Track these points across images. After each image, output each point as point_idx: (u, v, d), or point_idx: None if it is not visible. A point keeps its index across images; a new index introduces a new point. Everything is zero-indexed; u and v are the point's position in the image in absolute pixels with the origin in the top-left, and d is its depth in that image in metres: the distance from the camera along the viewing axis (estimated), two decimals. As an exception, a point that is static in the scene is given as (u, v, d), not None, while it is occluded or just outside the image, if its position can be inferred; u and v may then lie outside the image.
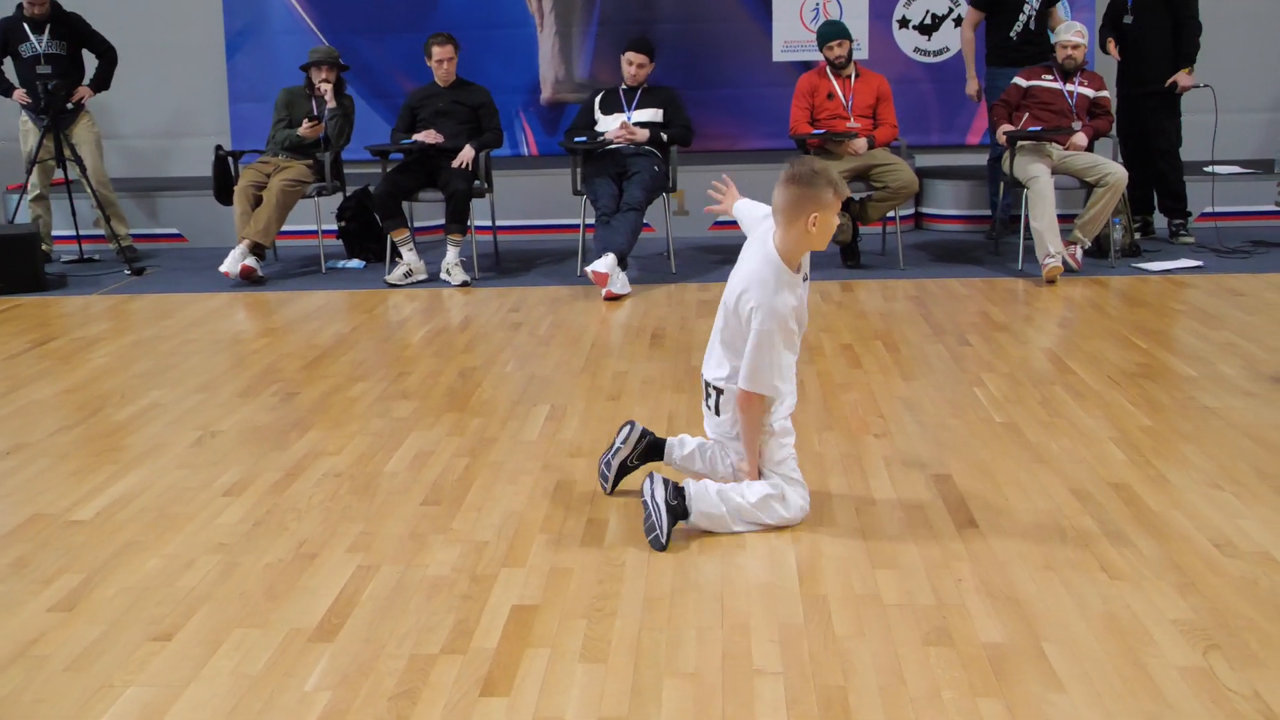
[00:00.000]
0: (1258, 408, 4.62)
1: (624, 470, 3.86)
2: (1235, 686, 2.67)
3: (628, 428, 3.86)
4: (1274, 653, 2.81)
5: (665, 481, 3.55)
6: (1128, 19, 7.89)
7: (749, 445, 3.62)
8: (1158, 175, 8.00)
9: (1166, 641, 2.88)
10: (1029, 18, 7.93)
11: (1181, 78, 7.77)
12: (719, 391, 3.64)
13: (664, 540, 3.46)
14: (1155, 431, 4.39)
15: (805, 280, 3.61)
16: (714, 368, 3.67)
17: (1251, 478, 3.91)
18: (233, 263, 7.49)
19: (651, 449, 3.86)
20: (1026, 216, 7.17)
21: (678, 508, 3.51)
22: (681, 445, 3.85)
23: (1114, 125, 7.56)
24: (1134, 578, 3.22)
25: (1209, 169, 8.46)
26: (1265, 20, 9.00)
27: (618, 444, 3.86)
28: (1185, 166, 8.04)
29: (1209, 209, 8.26)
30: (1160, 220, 8.21)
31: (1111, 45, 7.94)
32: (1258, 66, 8.98)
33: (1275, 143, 8.80)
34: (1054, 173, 7.21)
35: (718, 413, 3.67)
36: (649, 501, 3.52)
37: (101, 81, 8.31)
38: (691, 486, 3.55)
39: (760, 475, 3.62)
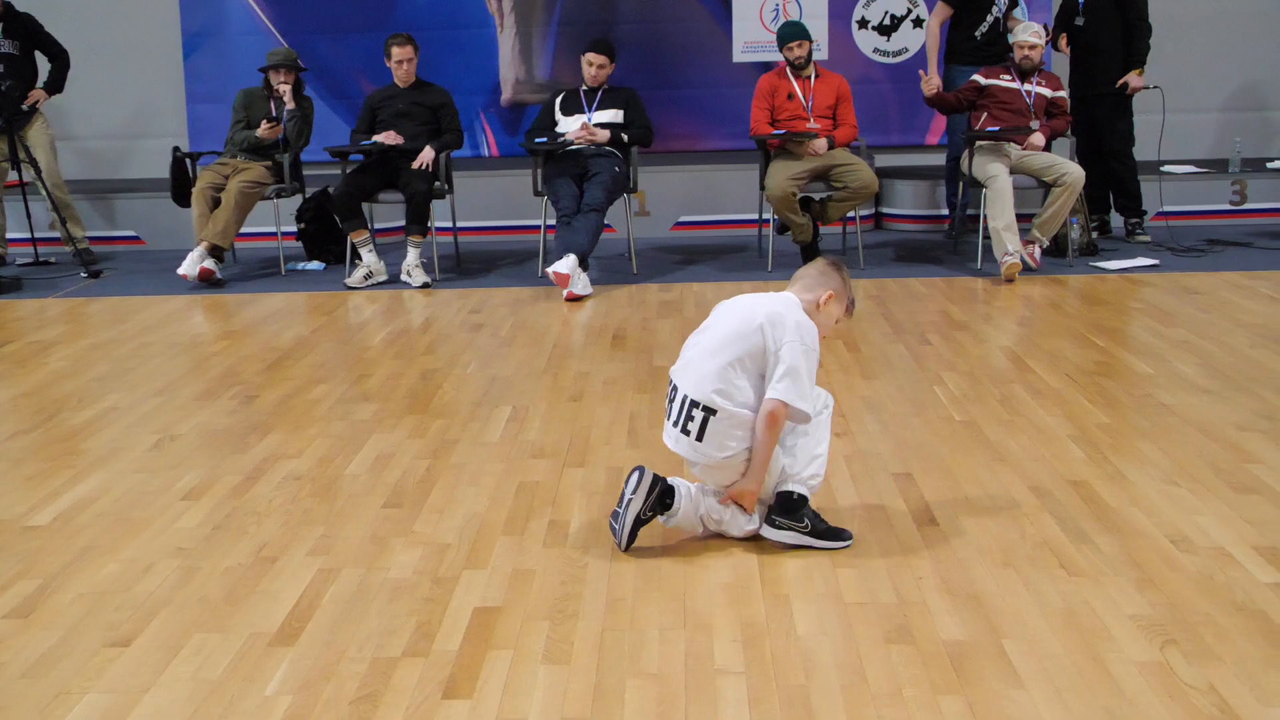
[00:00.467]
0: (1213, 405, 4.66)
1: (639, 524, 3.47)
2: (1192, 681, 2.70)
3: (637, 474, 3.47)
4: (1229, 647, 2.84)
5: (652, 487, 3.46)
6: (1079, 20, 7.95)
7: (762, 468, 3.45)
8: (1112, 175, 8.07)
9: (1124, 637, 2.90)
10: (995, 19, 7.98)
11: (1132, 79, 7.83)
12: (710, 412, 3.40)
13: (623, 544, 3.46)
14: (1113, 429, 4.42)
15: None
16: (707, 388, 3.42)
17: (1207, 474, 3.95)
18: (191, 265, 7.43)
19: (665, 494, 3.48)
20: (985, 216, 7.22)
21: (652, 517, 3.49)
22: (684, 498, 3.53)
23: (1069, 125, 7.61)
24: (1092, 574, 3.25)
25: (1165, 168, 8.54)
26: (1217, 21, 9.09)
27: (627, 494, 3.46)
28: (1141, 166, 8.11)
29: (1163, 208, 8.33)
30: (1116, 219, 8.28)
31: (1063, 41, 8.01)
32: (1211, 67, 9.07)
33: (1228, 142, 8.90)
34: (1012, 172, 7.26)
35: (700, 438, 3.42)
36: (626, 496, 3.46)
37: (55, 84, 8.23)
38: (680, 508, 3.49)
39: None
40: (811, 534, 3.44)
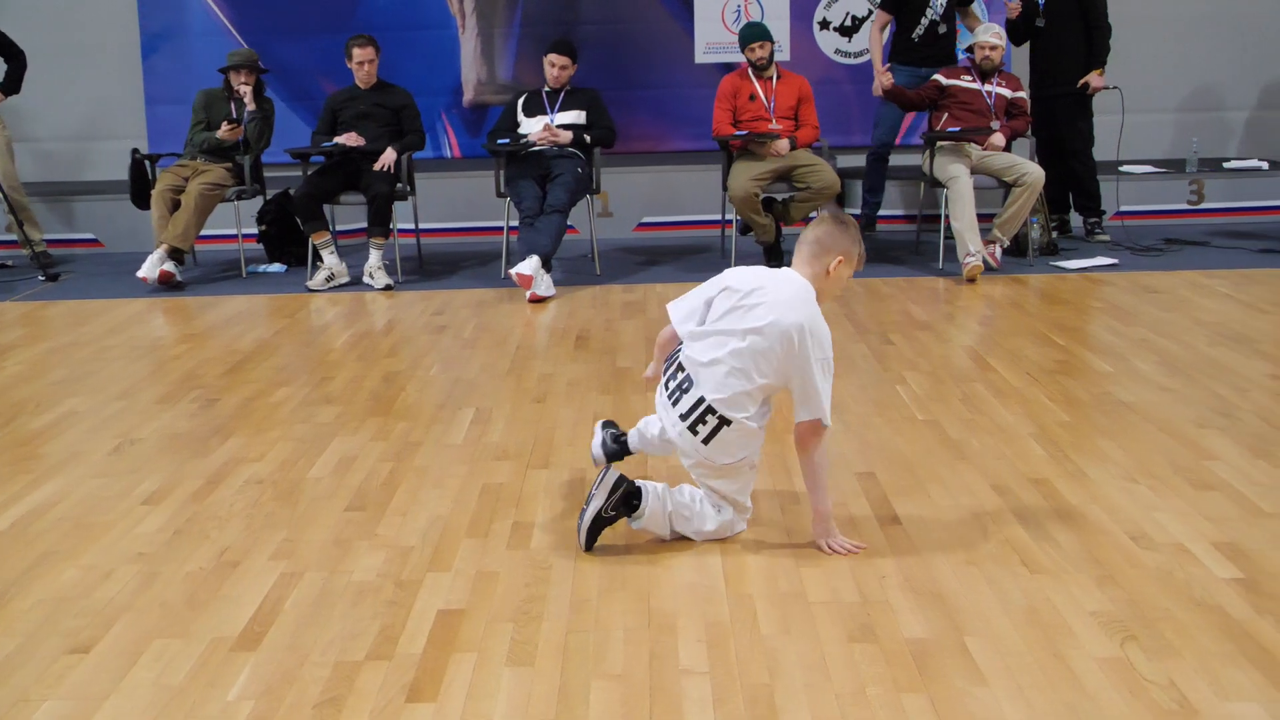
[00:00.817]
0: (1172, 402, 4.71)
1: (601, 523, 3.45)
2: (1152, 676, 2.72)
3: (602, 473, 3.47)
4: (1188, 642, 2.86)
5: (616, 487, 3.44)
6: (1040, 22, 8.01)
7: (824, 489, 3.43)
8: (1072, 175, 8.13)
9: (1085, 633, 2.92)
10: (930, 20, 8.02)
11: (1093, 79, 7.89)
12: (726, 423, 3.37)
13: (583, 544, 3.47)
14: (1073, 427, 4.46)
15: None
16: (726, 396, 3.37)
17: (1166, 471, 3.98)
18: (151, 268, 7.37)
19: (630, 495, 3.46)
20: (947, 216, 7.26)
21: (616, 518, 3.47)
22: (652, 498, 3.50)
23: (1029, 126, 7.66)
24: (1054, 571, 3.27)
25: (1124, 168, 8.61)
26: (1174, 23, 9.18)
27: (591, 492, 3.46)
28: (1101, 166, 8.17)
29: (1121, 208, 8.40)
30: (1076, 219, 8.34)
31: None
32: (1168, 68, 9.16)
33: (1185, 143, 8.98)
34: (973, 172, 7.30)
35: (707, 441, 3.41)
36: (590, 494, 3.46)
37: (12, 85, 8.15)
38: (646, 508, 3.46)
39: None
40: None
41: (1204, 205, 8.75)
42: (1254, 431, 4.34)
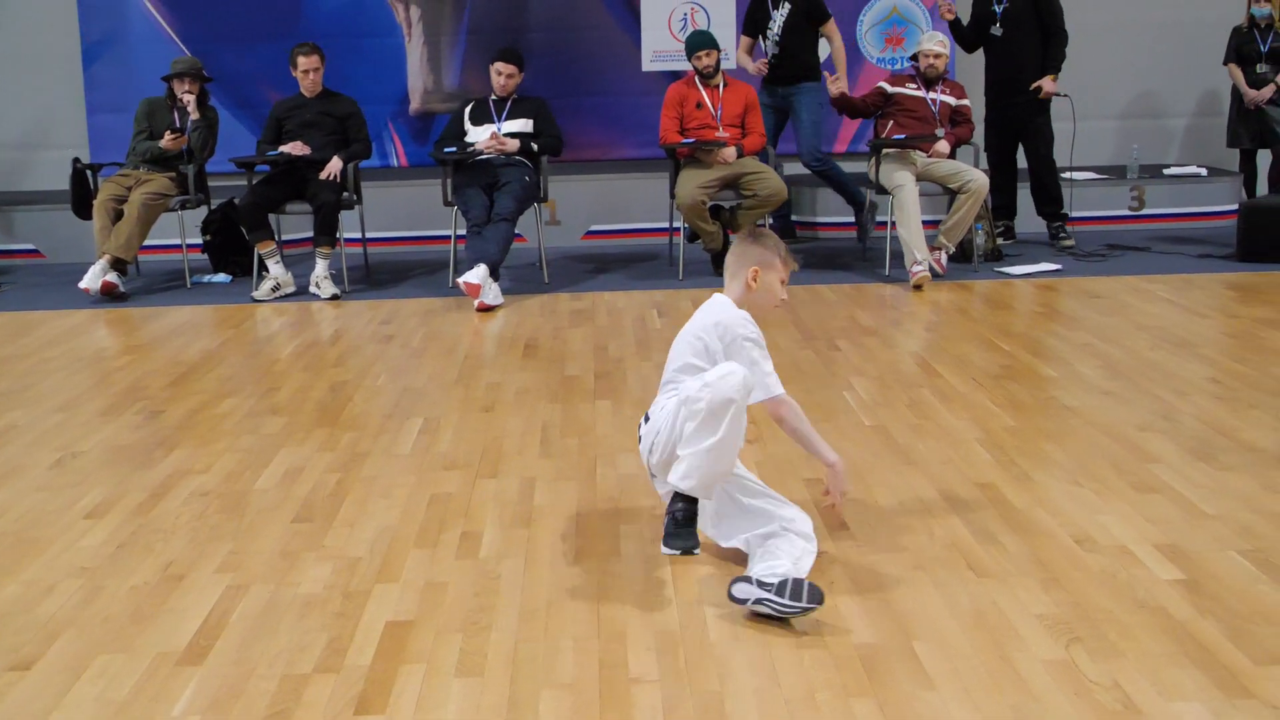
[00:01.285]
0: (1115, 406, 4.76)
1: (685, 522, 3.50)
2: (1096, 677, 2.75)
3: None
4: (1132, 644, 2.90)
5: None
6: (996, 30, 8.04)
7: (817, 445, 3.49)
8: (1035, 179, 8.20)
9: (1031, 636, 2.95)
10: (773, 41, 8.08)
11: (1046, 83, 7.96)
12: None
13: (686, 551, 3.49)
14: (1019, 431, 4.50)
15: None
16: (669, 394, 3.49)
17: (1110, 474, 4.03)
18: (93, 279, 7.29)
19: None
20: (893, 223, 7.31)
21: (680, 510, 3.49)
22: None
23: (973, 133, 7.73)
24: (1000, 575, 3.30)
25: (1066, 175, 8.70)
26: (1115, 31, 9.30)
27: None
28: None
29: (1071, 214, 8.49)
30: (1024, 225, 8.41)
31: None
32: (1109, 76, 9.27)
33: (1127, 149, 9.10)
34: (918, 180, 7.36)
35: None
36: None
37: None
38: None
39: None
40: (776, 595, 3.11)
41: (1145, 211, 8.87)
42: (1194, 434, 4.40)
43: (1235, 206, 8.34)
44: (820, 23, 8.11)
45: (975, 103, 8.51)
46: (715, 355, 3.42)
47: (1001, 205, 8.31)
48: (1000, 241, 8.06)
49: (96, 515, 3.91)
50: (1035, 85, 7.95)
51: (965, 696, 2.69)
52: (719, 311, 3.48)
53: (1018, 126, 8.12)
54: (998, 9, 8.01)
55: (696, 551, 3.48)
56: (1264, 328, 5.89)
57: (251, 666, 2.91)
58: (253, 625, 3.12)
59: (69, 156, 8.05)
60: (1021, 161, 8.33)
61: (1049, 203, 8.25)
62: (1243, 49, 8.56)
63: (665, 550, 3.49)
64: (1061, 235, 8.23)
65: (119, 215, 7.48)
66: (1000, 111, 8.13)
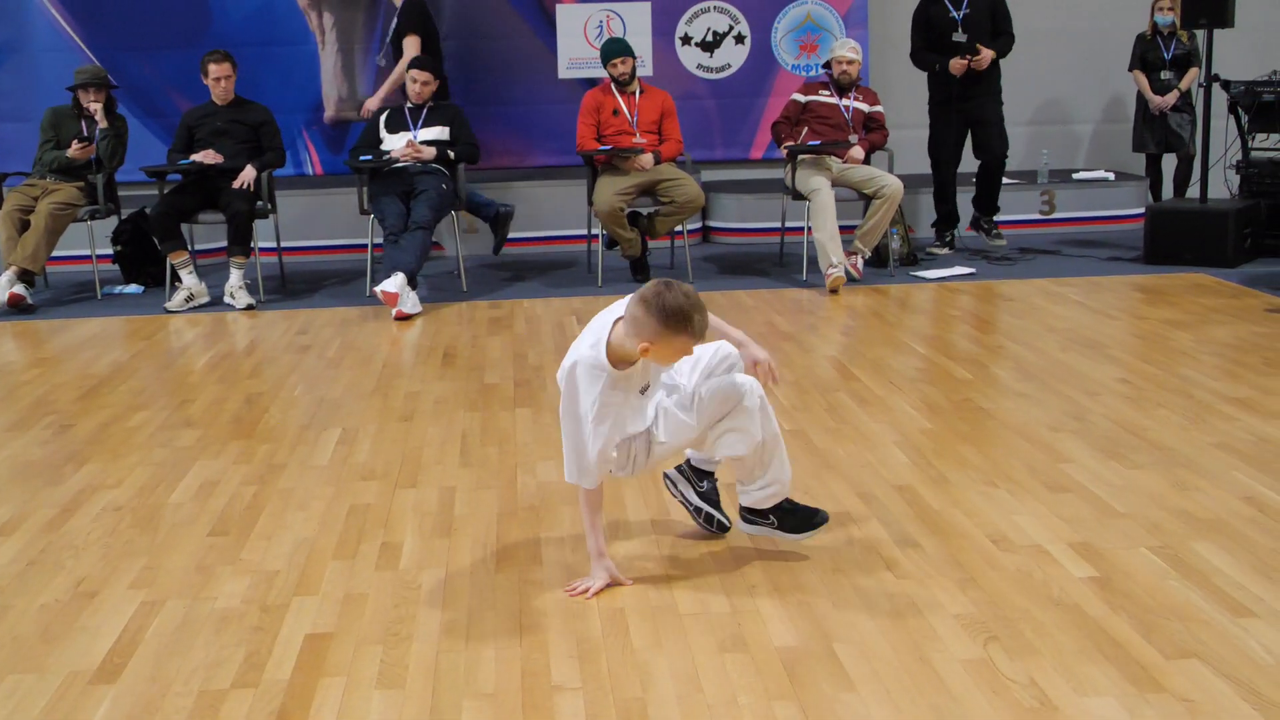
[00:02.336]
0: (1028, 407, 4.84)
1: (706, 502, 3.65)
2: (1013, 675, 2.79)
3: (667, 481, 3.72)
4: (1047, 641, 2.94)
5: (683, 475, 3.66)
6: (960, 36, 7.98)
7: (594, 532, 3.30)
8: (986, 180, 8.28)
9: (949, 636, 2.99)
10: None
11: (986, 51, 7.91)
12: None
13: (725, 520, 3.64)
14: (934, 434, 4.56)
15: (643, 393, 3.31)
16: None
17: (1024, 474, 4.09)
18: (-1, 290, 7.15)
19: (698, 475, 3.65)
20: (809, 228, 7.37)
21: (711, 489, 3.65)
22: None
23: (887, 139, 7.81)
24: (918, 576, 3.34)
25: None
26: (1023, 39, 9.36)
27: (679, 498, 3.69)
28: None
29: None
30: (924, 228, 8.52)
31: (959, 65, 7.97)
32: (1019, 82, 9.40)
33: (1037, 154, 9.25)
34: (833, 185, 7.43)
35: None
36: (686, 505, 3.67)
37: None
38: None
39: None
40: (781, 529, 3.51)
41: (1055, 215, 9.03)
42: (1105, 434, 4.48)
43: (1142, 210, 8.53)
44: None
45: (906, 111, 8.63)
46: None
47: (947, 214, 8.36)
48: (944, 252, 8.23)
49: (4, 533, 3.82)
50: (976, 51, 7.90)
51: (886, 697, 2.72)
52: (578, 351, 3.19)
53: (973, 126, 8.13)
54: (958, 15, 7.99)
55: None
56: (1170, 329, 6.02)
57: (167, 683, 2.86)
58: (168, 641, 3.07)
59: (-28, 166, 7.88)
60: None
61: (993, 199, 8.36)
62: (1147, 56, 8.75)
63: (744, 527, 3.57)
64: (995, 234, 8.35)
65: (25, 226, 7.33)
66: (955, 115, 8.08)
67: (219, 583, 3.41)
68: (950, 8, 8.02)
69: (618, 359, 3.14)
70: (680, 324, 3.05)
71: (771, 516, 3.49)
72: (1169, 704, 2.66)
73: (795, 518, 3.50)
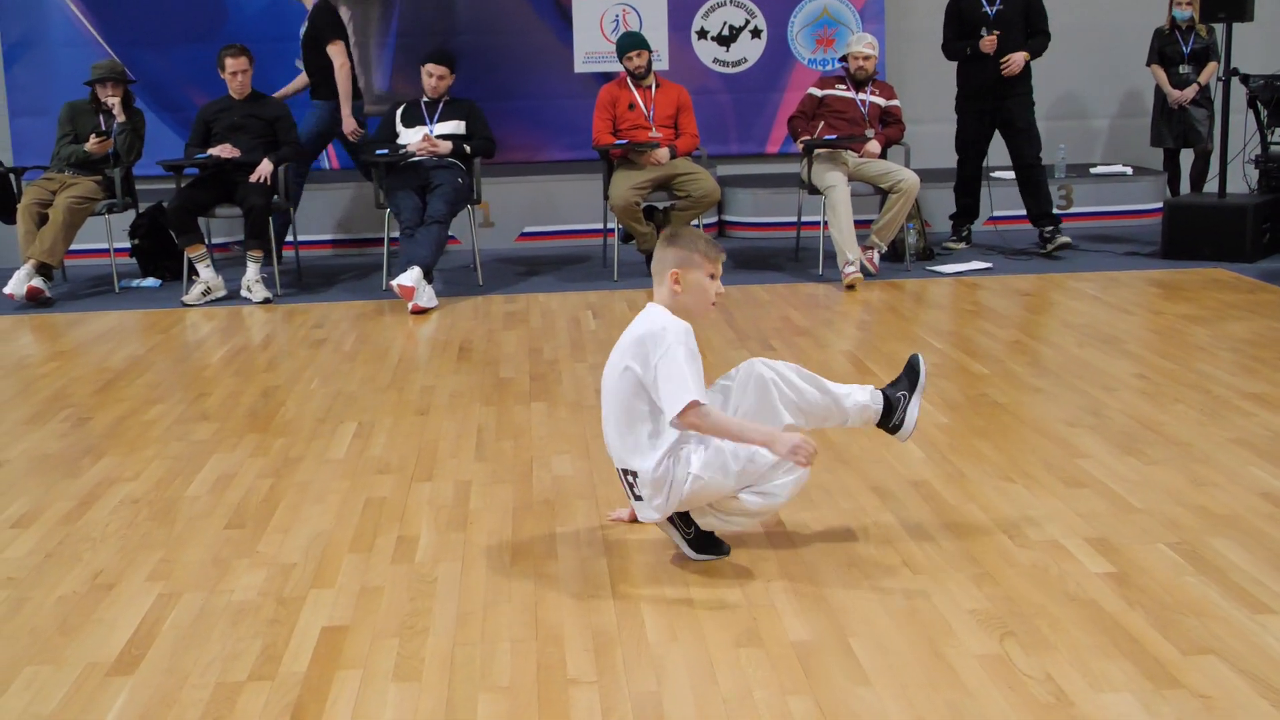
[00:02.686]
0: (1044, 403, 4.83)
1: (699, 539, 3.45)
2: (1029, 671, 2.79)
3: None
4: (1063, 637, 2.94)
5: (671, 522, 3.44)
6: (993, 32, 7.80)
7: (745, 432, 3.25)
8: (1028, 184, 8.00)
9: (964, 631, 2.98)
10: None
11: (1016, 56, 7.77)
12: (634, 474, 3.35)
13: (720, 553, 3.43)
14: (951, 429, 4.55)
15: None
16: (621, 453, 3.39)
17: (1040, 470, 4.08)
18: (18, 284, 7.17)
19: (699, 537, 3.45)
20: (825, 223, 7.36)
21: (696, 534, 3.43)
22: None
23: (904, 133, 7.79)
24: (933, 571, 3.33)
25: (995, 174, 8.80)
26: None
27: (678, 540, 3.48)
28: (981, 174, 8.29)
29: (995, 213, 8.59)
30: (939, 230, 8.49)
31: (989, 41, 7.81)
32: (1036, 77, 9.34)
33: (1053, 149, 9.22)
34: (850, 180, 7.41)
35: (640, 497, 3.38)
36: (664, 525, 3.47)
37: None
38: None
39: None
40: (690, 543, 3.42)
41: (1072, 210, 8.99)
42: (1122, 429, 4.47)
43: (1159, 205, 8.48)
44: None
45: (922, 106, 8.60)
46: (647, 382, 3.27)
47: (967, 207, 8.28)
48: (960, 246, 8.16)
49: (22, 525, 3.84)
50: (1006, 58, 7.78)
51: (900, 692, 2.71)
52: (645, 324, 3.33)
53: (1003, 128, 7.99)
54: (990, 11, 7.84)
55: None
56: (1188, 324, 6.00)
57: (184, 675, 2.87)
58: (185, 634, 3.08)
59: (-10, 160, 7.92)
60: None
61: (1046, 204, 8.02)
62: (1165, 50, 8.71)
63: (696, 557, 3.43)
64: (1056, 236, 7.95)
65: (44, 220, 7.36)
66: (983, 114, 7.97)
67: (235, 575, 3.42)
68: (983, 2, 7.89)
69: (677, 312, 3.35)
70: (690, 241, 3.39)
71: (693, 528, 3.42)
72: (1186, 700, 2.65)
73: (709, 539, 3.43)
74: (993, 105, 7.96)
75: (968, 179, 8.25)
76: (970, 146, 8.14)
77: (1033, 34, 7.93)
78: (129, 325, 6.73)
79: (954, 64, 8.10)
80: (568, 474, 4.15)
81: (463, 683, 2.81)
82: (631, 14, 9.19)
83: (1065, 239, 7.96)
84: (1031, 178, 8.04)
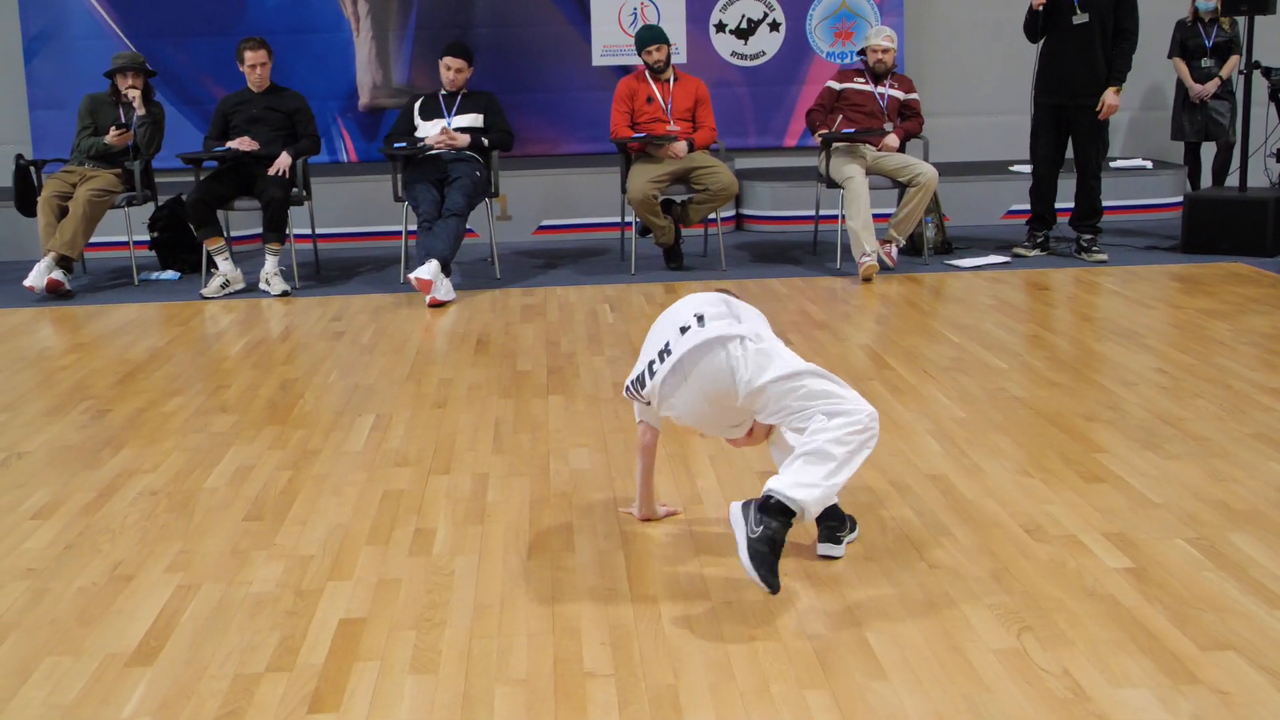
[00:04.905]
0: (1061, 397, 4.81)
1: (758, 554, 3.04)
2: (1046, 665, 2.78)
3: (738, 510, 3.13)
4: (1080, 632, 2.93)
5: (747, 511, 3.10)
6: (1081, 18, 7.36)
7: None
8: (1083, 187, 7.62)
9: (982, 626, 2.98)
10: None
11: (1110, 97, 7.39)
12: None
13: (766, 583, 3.05)
14: (968, 423, 4.53)
15: None
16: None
17: (1058, 464, 4.07)
18: (38, 276, 7.20)
19: (766, 508, 3.09)
20: (843, 216, 7.35)
21: (777, 530, 3.06)
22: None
23: (923, 126, 7.76)
24: (951, 565, 3.32)
25: (1013, 168, 8.78)
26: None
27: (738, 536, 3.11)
28: (992, 167, 8.27)
29: (1013, 208, 8.56)
30: (978, 219, 8.46)
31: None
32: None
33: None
34: (868, 173, 7.40)
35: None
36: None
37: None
38: (777, 484, 3.10)
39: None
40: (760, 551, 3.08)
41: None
42: (1141, 424, 4.45)
43: (1180, 199, 8.45)
44: None
45: (941, 99, 8.56)
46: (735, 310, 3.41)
47: (1041, 215, 7.76)
48: (1034, 253, 7.68)
49: (43, 516, 3.86)
50: (1101, 104, 7.37)
51: (917, 686, 2.71)
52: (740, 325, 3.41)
53: (1075, 127, 7.53)
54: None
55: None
56: (1207, 318, 5.97)
57: (203, 666, 2.88)
58: (203, 625, 3.09)
59: (11, 153, 7.94)
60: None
61: (1090, 214, 7.64)
62: (1187, 43, 8.67)
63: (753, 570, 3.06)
64: (1094, 248, 7.59)
65: (64, 212, 7.39)
66: (1061, 109, 7.51)
67: (254, 567, 3.43)
68: None
69: None
70: None
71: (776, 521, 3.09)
72: (1204, 696, 2.64)
73: (769, 553, 3.07)
74: (1063, 101, 7.50)
75: (1038, 183, 7.76)
76: (1042, 147, 7.64)
77: (1118, 30, 7.39)
78: (148, 318, 6.75)
79: (972, 60, 8.04)
80: (585, 467, 4.15)
81: (480, 675, 2.82)
82: (650, 7, 9.18)
83: (1102, 256, 7.55)
84: (1082, 178, 7.62)
